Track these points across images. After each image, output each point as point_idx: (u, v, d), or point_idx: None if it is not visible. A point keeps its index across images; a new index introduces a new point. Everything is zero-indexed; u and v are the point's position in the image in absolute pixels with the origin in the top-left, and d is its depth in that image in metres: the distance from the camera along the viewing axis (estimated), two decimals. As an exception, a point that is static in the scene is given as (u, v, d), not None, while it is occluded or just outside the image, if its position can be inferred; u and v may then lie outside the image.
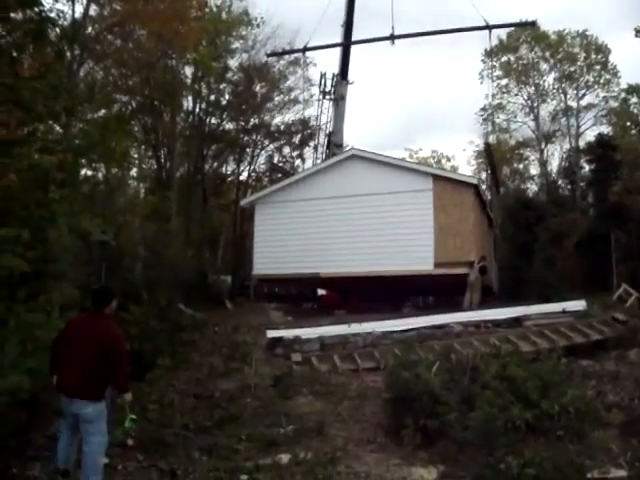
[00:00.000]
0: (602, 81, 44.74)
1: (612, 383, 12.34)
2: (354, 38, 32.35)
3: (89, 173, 23.36)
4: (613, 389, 11.95)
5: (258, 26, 33.17)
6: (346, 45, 32.27)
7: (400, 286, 22.68)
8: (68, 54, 17.90)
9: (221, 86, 33.20)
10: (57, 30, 14.44)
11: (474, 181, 23.54)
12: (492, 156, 35.59)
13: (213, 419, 10.92)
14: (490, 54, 43.50)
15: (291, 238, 22.83)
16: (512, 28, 41.07)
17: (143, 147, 30.41)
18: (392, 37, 30.66)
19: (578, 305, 17.84)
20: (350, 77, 33.22)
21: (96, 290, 7.69)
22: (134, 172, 31.26)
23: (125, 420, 7.32)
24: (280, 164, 37.08)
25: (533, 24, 37.00)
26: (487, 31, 31.64)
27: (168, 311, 16.93)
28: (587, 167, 34.66)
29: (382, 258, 21.33)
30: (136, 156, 28.98)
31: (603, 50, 44.26)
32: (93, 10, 20.99)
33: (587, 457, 8.46)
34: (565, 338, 15.22)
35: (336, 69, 32.98)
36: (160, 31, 21.32)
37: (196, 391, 12.83)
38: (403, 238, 21.30)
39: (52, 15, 12.24)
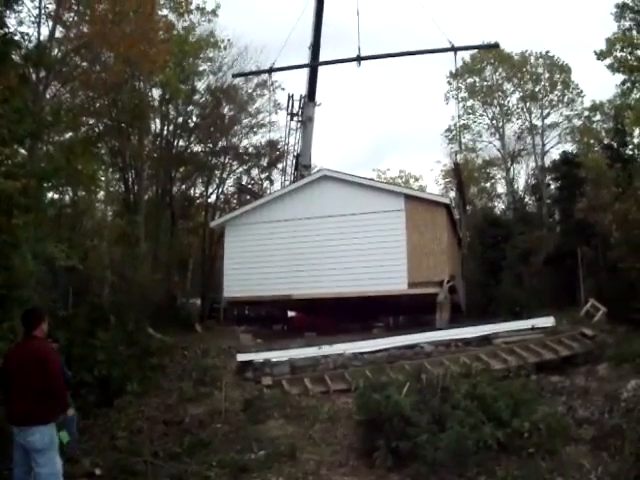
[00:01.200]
0: (565, 100, 45.81)
1: (582, 398, 12.48)
2: (322, 59, 32.66)
3: (55, 197, 23.28)
4: (583, 404, 12.08)
5: (225, 48, 33.22)
6: (313, 66, 32.50)
7: (373, 306, 22.71)
8: (33, 76, 17.79)
9: (189, 108, 33.09)
10: (22, 52, 14.39)
11: (446, 200, 23.84)
12: (460, 175, 36.01)
13: (183, 445, 10.81)
14: (455, 76, 44.17)
15: (262, 260, 22.75)
16: (476, 50, 42.01)
17: (110, 170, 30.15)
18: (359, 58, 30.91)
19: (547, 321, 18.04)
20: (317, 98, 33.52)
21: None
22: (101, 195, 31.03)
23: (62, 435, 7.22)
24: (249, 186, 37.00)
25: (496, 46, 37.81)
26: (452, 53, 32.10)
27: (137, 336, 16.71)
28: (553, 185, 35.19)
29: (355, 279, 21.38)
30: (103, 179, 28.73)
31: (565, 70, 45.31)
32: (59, 32, 20.92)
33: (559, 474, 8.57)
34: (535, 355, 15.38)
35: (303, 91, 33.24)
36: (127, 53, 21.26)
37: (166, 417, 12.69)
38: (376, 258, 21.38)
39: (16, 38, 12.17)
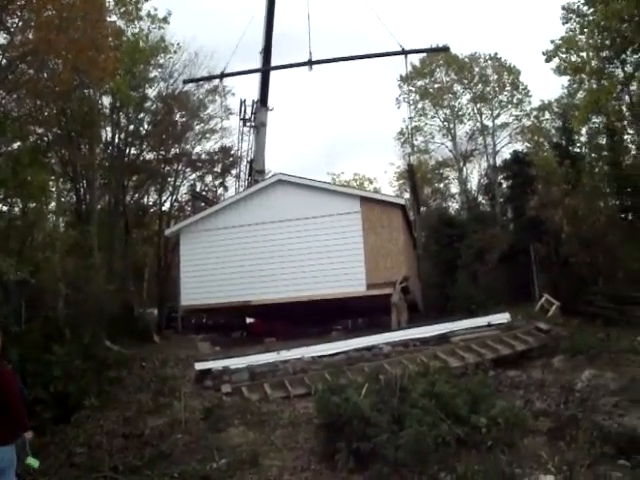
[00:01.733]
0: (515, 101, 46.71)
1: (539, 391, 12.77)
2: (274, 64, 32.72)
3: (4, 208, 22.80)
4: (540, 397, 12.35)
5: (175, 52, 32.93)
6: (265, 71, 32.53)
7: (332, 309, 22.76)
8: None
9: (140, 116, 32.73)
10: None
11: (401, 201, 24.06)
12: (414, 177, 36.39)
13: (144, 458, 10.69)
14: (406, 79, 44.71)
15: (219, 267, 22.66)
16: (426, 54, 42.61)
17: (61, 180, 29.65)
18: (310, 62, 31.07)
19: (502, 318, 18.33)
20: (270, 103, 33.52)
21: None
22: (52, 206, 30.48)
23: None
24: (203, 193, 36.77)
25: (446, 49, 38.51)
26: (403, 56, 32.50)
27: (93, 349, 16.42)
28: (505, 183, 35.78)
29: (314, 282, 21.47)
30: (54, 189, 28.22)
31: (513, 72, 46.23)
32: (3, 38, 20.47)
33: (517, 466, 8.68)
34: (492, 351, 15.60)
35: (256, 96, 33.22)
36: (75, 60, 20.88)
37: (125, 430, 12.51)
38: (334, 261, 21.52)
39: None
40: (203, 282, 22.79)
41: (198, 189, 37.05)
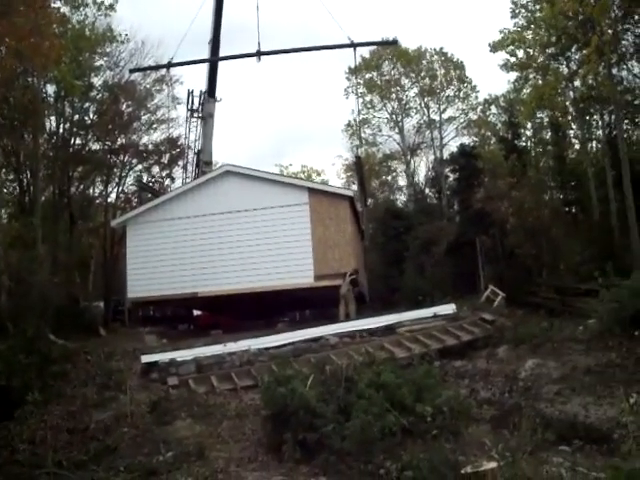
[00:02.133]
0: (461, 95, 47.33)
1: (484, 380, 13.10)
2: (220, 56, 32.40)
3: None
4: (485, 386, 12.67)
5: (122, 42, 32.28)
6: (213, 61, 32.19)
7: (280, 301, 22.75)
8: None
9: (85, 105, 32.04)
10: None
11: (349, 193, 24.15)
12: (361, 169, 36.55)
13: (89, 453, 10.56)
14: (355, 71, 44.82)
15: (166, 258, 22.37)
16: (375, 46, 42.80)
17: (4, 171, 28.94)
18: (259, 53, 30.83)
19: (448, 309, 18.66)
20: (218, 94, 33.18)
21: None
22: (-5, 197, 29.72)
23: None
24: (150, 184, 36.25)
25: (395, 42, 38.75)
26: (352, 49, 32.59)
27: (37, 342, 16.08)
28: (452, 176, 36.23)
29: (262, 274, 21.39)
30: (-4, 180, 27.56)
31: (459, 66, 46.78)
32: (-60, 23, 19.79)
33: (461, 453, 8.82)
34: (438, 341, 15.88)
35: (204, 87, 32.87)
36: (18, 47, 20.31)
37: (70, 425, 12.33)
38: (282, 253, 21.49)
39: None
40: (150, 274, 22.47)
41: (145, 180, 36.52)
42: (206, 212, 22.62)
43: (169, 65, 32.34)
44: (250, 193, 22.38)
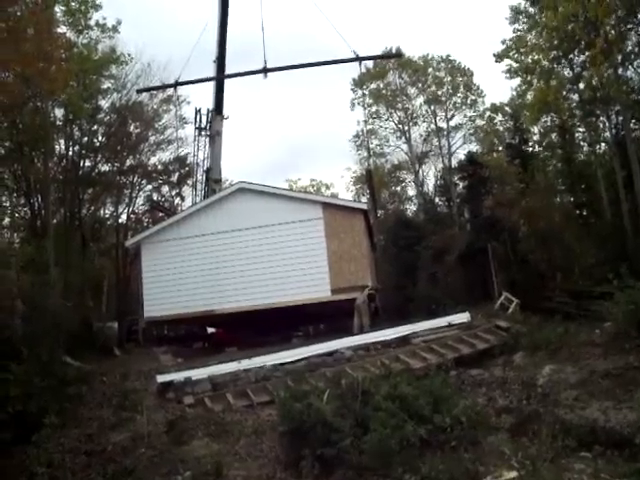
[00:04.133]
0: (468, 102, 47.33)
1: (501, 388, 12.95)
2: (226, 73, 32.56)
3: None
4: (502, 394, 12.53)
5: (126, 63, 32.52)
6: (219, 79, 32.36)
7: (297, 316, 22.74)
8: None
9: (94, 127, 32.31)
10: None
11: (363, 206, 24.27)
12: (372, 181, 36.65)
13: (107, 475, 10.55)
14: (361, 84, 45.02)
15: (182, 277, 22.39)
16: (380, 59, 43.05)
17: (15, 195, 29.14)
18: (265, 70, 30.90)
19: (463, 317, 18.54)
20: (225, 112, 33.33)
21: None
22: (7, 221, 29.89)
23: None
24: (160, 203, 36.45)
25: (400, 55, 39.11)
26: (357, 62, 32.72)
27: (52, 366, 16.06)
28: (461, 184, 36.19)
29: (278, 289, 21.44)
30: (8, 204, 27.70)
31: (466, 73, 46.80)
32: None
33: (481, 463, 8.75)
34: (453, 350, 15.77)
35: (211, 105, 33.04)
36: (25, 72, 20.50)
37: (87, 447, 12.27)
38: (298, 268, 21.54)
39: None
40: (165, 293, 22.49)
41: (155, 200, 36.71)
42: (220, 229, 22.64)
43: (176, 84, 32.48)
44: (264, 209, 22.41)
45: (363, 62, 34.24)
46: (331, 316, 25.26)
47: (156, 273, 23.00)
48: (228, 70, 32.47)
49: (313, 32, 79.98)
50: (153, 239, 23.76)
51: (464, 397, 11.50)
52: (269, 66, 30.94)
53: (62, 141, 30.82)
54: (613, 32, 25.19)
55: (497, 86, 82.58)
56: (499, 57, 33.29)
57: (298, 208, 22.48)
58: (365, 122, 44.95)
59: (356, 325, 20.71)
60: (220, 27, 31.57)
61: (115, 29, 30.83)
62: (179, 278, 22.45)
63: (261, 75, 31.33)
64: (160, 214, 34.87)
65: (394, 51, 44.80)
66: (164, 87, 33.86)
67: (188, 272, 22.40)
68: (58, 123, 30.12)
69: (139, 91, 33.21)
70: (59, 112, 29.86)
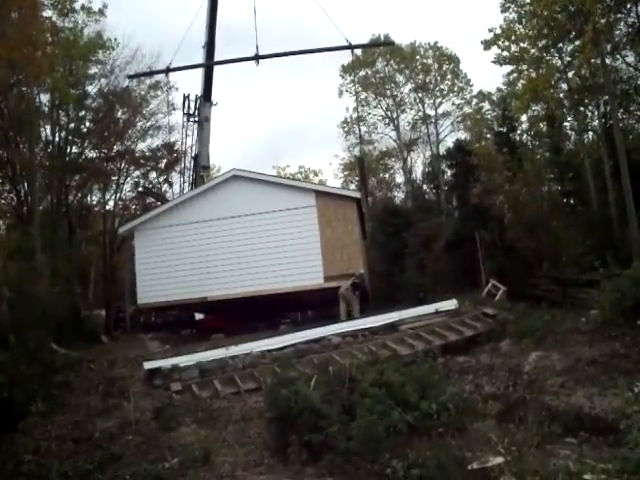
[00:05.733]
0: (456, 89, 47.32)
1: (488, 375, 13.02)
2: (220, 59, 32.46)
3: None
4: (489, 381, 12.61)
5: (113, 48, 32.24)
6: (210, 65, 32.21)
7: (289, 303, 22.88)
8: None
9: (81, 113, 32.09)
10: None
11: (356, 195, 24.33)
12: (364, 169, 36.70)
13: (94, 462, 10.46)
14: (353, 69, 44.96)
15: (175, 264, 22.29)
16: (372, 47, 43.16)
17: (0, 181, 28.93)
18: (257, 57, 30.77)
19: (450, 304, 18.53)
20: (214, 98, 33.22)
21: None
22: (-8, 209, 29.72)
23: None
24: (140, 189, 36.26)
25: (392, 43, 39.07)
26: (348, 50, 32.81)
27: (39, 353, 16.03)
28: (449, 172, 36.21)
29: (272, 276, 21.49)
30: (-7, 191, 27.53)
31: (454, 60, 46.78)
32: None
33: (468, 450, 8.79)
34: (440, 338, 15.82)
35: (199, 91, 32.86)
36: (10, 57, 20.27)
37: (75, 434, 12.24)
38: (291, 255, 21.58)
39: None
40: (159, 280, 22.38)
41: (142, 186, 36.53)
42: (214, 217, 22.56)
43: (168, 70, 32.29)
44: (258, 197, 22.40)
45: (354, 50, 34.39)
46: (323, 303, 25.32)
47: (150, 260, 22.89)
48: (217, 56, 32.37)
49: (302, 18, 79.84)
50: (146, 226, 23.61)
51: (451, 384, 11.53)
52: (261, 53, 30.85)
53: (48, 127, 30.64)
54: (602, 21, 25.15)
55: (486, 73, 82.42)
56: (487, 45, 33.19)
57: (291, 196, 22.50)
58: (355, 109, 45.01)
59: (342, 312, 20.73)
60: (210, 12, 31.40)
61: (102, 12, 30.70)
62: (173, 265, 22.36)
63: (249, 61, 31.32)
64: (149, 201, 34.72)
65: (382, 38, 44.89)
66: (156, 73, 33.65)
67: (182, 259, 22.34)
68: (44, 109, 29.88)
69: (130, 77, 33.05)
70: (45, 98, 29.65)
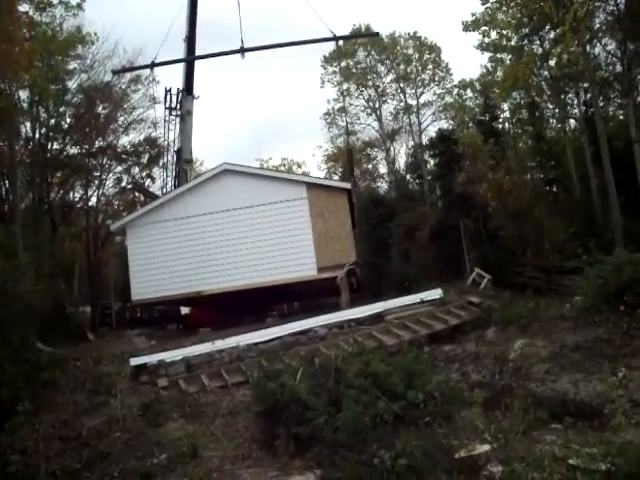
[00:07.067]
0: (437, 78, 47.35)
1: (474, 363, 13.11)
2: (205, 53, 32.32)
3: None
4: (475, 369, 12.68)
5: (93, 43, 31.96)
6: (192, 60, 32.03)
7: (282, 294, 23.26)
8: None
9: (61, 109, 31.82)
10: None
11: (347, 186, 24.44)
12: (352, 160, 36.76)
13: (82, 460, 10.42)
14: (331, 60, 44.89)
15: (169, 259, 22.31)
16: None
17: (-20, 180, 28.67)
18: (242, 50, 30.63)
19: (435, 294, 18.67)
20: (197, 92, 33.02)
21: None
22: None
23: None
24: (130, 185, 36.08)
25: (377, 34, 39.13)
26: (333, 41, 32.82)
27: (23, 352, 15.86)
28: (432, 162, 36.31)
29: (266, 269, 21.63)
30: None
31: (435, 49, 46.77)
32: None
33: (455, 438, 8.81)
34: (426, 327, 15.93)
35: (180, 85, 32.67)
36: (-13, 54, 20.04)
37: (62, 433, 12.17)
38: (284, 247, 21.75)
39: None
40: (153, 275, 22.37)
41: (132, 182, 36.33)
42: (206, 211, 22.62)
43: (153, 65, 32.04)
44: (249, 190, 22.50)
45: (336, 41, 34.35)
46: (314, 294, 25.46)
47: (143, 256, 22.88)
48: (200, 51, 32.23)
49: (281, 10, 79.39)
50: (138, 222, 23.55)
51: (437, 373, 11.59)
52: (237, 45, 30.68)
53: (28, 124, 30.36)
54: (583, 9, 25.20)
55: (466, 62, 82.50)
56: (467, 27, 33.10)
57: (282, 188, 22.65)
58: (335, 100, 44.97)
59: (343, 300, 20.91)
60: (190, 5, 31.21)
61: (79, 7, 30.18)
62: (166, 260, 22.36)
63: (234, 55, 31.20)
64: (131, 196, 34.57)
65: (363, 28, 44.93)
66: (141, 68, 33.48)
67: (175, 254, 22.36)
68: (23, 105, 29.59)
69: (115, 72, 32.81)
70: (24, 94, 29.36)
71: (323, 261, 21.67)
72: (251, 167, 23.60)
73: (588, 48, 27.40)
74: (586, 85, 29.35)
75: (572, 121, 34.91)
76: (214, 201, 22.59)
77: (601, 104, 29.32)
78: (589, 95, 29.20)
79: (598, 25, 28.05)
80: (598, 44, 28.89)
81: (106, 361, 17.41)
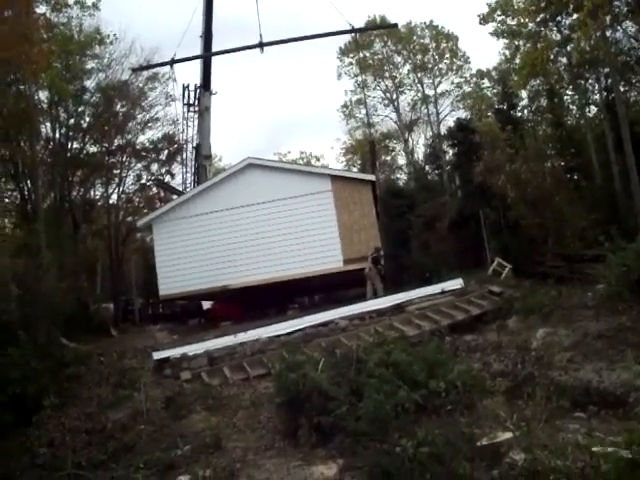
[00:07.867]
0: (454, 67, 47.06)
1: (495, 353, 12.99)
2: (219, 49, 32.41)
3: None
4: (497, 358, 12.57)
5: (111, 43, 32.27)
6: (210, 56, 32.14)
7: (308, 287, 23.60)
8: None
9: (80, 108, 32.10)
10: None
11: (372, 178, 24.64)
12: (374, 153, 36.75)
13: (107, 452, 10.55)
14: (350, 51, 44.83)
15: (195, 254, 22.52)
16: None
17: (3, 180, 29.00)
18: (261, 44, 30.67)
19: (456, 284, 18.59)
20: (214, 87, 33.12)
21: None
22: (-3, 207, 29.83)
23: None
24: (149, 182, 36.33)
25: (395, 26, 38.92)
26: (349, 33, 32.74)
27: (49, 348, 16.13)
28: (450, 151, 36.10)
29: (292, 262, 21.83)
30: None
31: (451, 38, 46.48)
32: None
33: (477, 426, 8.81)
34: (447, 317, 15.85)
35: (198, 81, 32.79)
36: (7, 55, 20.22)
37: (87, 426, 12.28)
38: (310, 240, 21.92)
39: None
40: (179, 271, 22.58)
41: (155, 179, 36.58)
42: (231, 205, 22.79)
43: (172, 62, 32.19)
44: (273, 184, 22.65)
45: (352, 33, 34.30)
46: (339, 286, 25.58)
47: (169, 251, 23.07)
48: (217, 47, 32.31)
49: (296, 3, 79.24)
50: (164, 218, 23.74)
51: (459, 362, 11.55)
52: (248, 41, 30.78)
53: (48, 124, 30.65)
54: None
55: (484, 50, 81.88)
56: (484, 19, 32.94)
57: (307, 182, 22.81)
58: (352, 92, 44.89)
59: (368, 292, 20.86)
60: (206, 1, 31.29)
61: (95, 6, 30.43)
62: (192, 255, 22.56)
63: (248, 49, 31.23)
64: (151, 193, 34.80)
65: (378, 19, 44.75)
66: (160, 65, 33.71)
67: (201, 249, 22.55)
68: (43, 106, 29.87)
69: (134, 70, 33.10)
70: (43, 95, 29.64)
71: (349, 253, 21.86)
72: (275, 161, 23.89)
73: (609, 33, 27.08)
74: (606, 70, 28.98)
75: (592, 107, 34.58)
76: (239, 195, 22.78)
77: (622, 89, 28.95)
78: (610, 80, 28.84)
79: (618, 9, 27.65)
80: (619, 28, 28.53)
81: (129, 355, 17.58)
